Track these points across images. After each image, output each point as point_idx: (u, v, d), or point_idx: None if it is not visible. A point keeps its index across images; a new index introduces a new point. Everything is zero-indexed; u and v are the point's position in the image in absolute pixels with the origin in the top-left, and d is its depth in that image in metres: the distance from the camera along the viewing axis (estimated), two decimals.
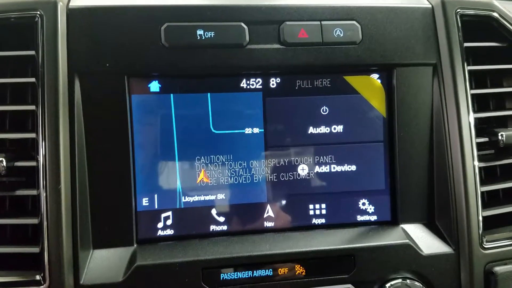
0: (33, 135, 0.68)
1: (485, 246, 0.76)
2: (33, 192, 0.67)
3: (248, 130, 0.77)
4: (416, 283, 0.73)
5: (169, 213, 0.76)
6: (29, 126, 0.72)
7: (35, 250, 0.66)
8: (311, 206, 0.79)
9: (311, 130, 0.79)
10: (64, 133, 0.68)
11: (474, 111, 0.79)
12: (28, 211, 0.70)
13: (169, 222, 0.76)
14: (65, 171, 0.67)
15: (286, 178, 0.78)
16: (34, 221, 0.67)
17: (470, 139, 0.77)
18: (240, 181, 0.77)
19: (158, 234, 0.75)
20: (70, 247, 0.67)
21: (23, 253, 0.67)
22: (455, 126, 0.77)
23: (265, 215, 0.78)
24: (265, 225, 0.78)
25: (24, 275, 0.66)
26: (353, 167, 0.80)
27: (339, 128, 0.79)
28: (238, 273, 0.71)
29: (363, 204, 0.80)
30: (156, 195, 0.75)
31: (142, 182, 0.75)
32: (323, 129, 0.79)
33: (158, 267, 0.69)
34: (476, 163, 0.76)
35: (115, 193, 0.72)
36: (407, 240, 0.75)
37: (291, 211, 0.79)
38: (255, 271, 0.72)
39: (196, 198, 0.76)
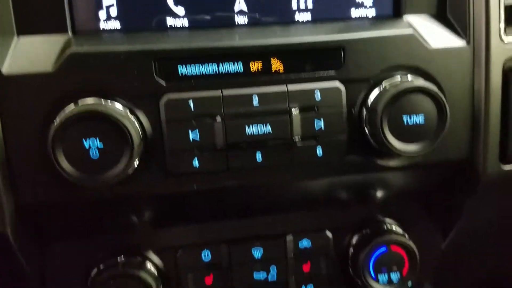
0: None
1: (505, 40, 0.62)
2: None
3: None
4: (420, 78, 0.61)
5: (113, 0, 0.61)
6: None
7: None
8: None
9: None
10: None
11: None
12: None
13: (113, 12, 0.60)
14: None
15: None
16: None
17: None
18: None
19: (100, 26, 0.60)
20: None
21: None
22: None
23: (236, 8, 0.63)
24: (236, 21, 0.63)
25: None
26: None
27: None
28: (200, 66, 0.58)
29: None
30: None
31: None
32: None
33: (98, 57, 0.55)
34: None
35: None
36: (411, 30, 0.61)
37: (268, 3, 0.63)
38: (221, 65, 0.58)
39: None
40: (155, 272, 0.66)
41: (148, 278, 0.64)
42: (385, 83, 0.60)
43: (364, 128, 0.62)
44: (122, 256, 0.66)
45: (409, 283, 0.73)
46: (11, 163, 0.55)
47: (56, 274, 0.66)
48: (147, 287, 0.63)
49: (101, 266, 0.64)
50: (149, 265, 0.66)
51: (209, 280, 0.70)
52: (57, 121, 0.52)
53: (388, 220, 0.75)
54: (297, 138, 0.60)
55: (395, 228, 0.74)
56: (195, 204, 0.69)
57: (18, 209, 0.57)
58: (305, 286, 0.73)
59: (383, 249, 0.72)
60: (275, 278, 0.71)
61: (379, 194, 0.73)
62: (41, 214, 0.60)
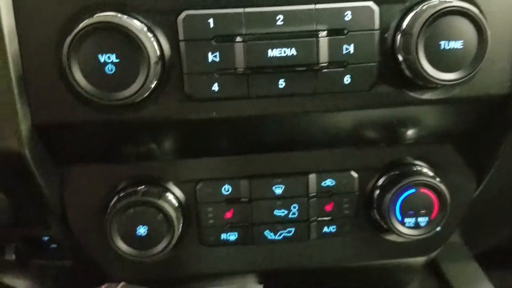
0: None
1: None
2: None
3: None
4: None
5: None
6: None
7: None
8: None
9: None
10: None
11: None
12: None
13: None
14: None
15: None
16: None
17: None
18: None
19: None
20: None
21: None
22: None
23: None
24: None
25: None
26: None
27: None
28: None
29: None
30: None
31: None
32: None
33: None
34: None
35: None
36: None
37: None
38: None
39: None
40: (176, 203, 0.66)
41: (167, 207, 0.63)
42: (422, 5, 0.55)
43: (397, 56, 0.57)
44: (143, 185, 0.65)
45: (438, 229, 0.69)
46: (27, 79, 0.54)
47: (75, 200, 0.66)
48: (167, 216, 0.63)
49: (121, 194, 0.64)
50: (169, 196, 0.66)
51: (228, 214, 0.68)
52: (72, 33, 0.50)
53: (418, 162, 0.71)
54: (323, 64, 0.56)
55: (425, 170, 0.70)
56: (216, 136, 0.67)
57: (35, 128, 0.56)
58: (327, 226, 0.71)
59: (411, 191, 0.68)
60: (296, 216, 0.69)
61: (410, 133, 0.69)
62: (59, 135, 0.59)
